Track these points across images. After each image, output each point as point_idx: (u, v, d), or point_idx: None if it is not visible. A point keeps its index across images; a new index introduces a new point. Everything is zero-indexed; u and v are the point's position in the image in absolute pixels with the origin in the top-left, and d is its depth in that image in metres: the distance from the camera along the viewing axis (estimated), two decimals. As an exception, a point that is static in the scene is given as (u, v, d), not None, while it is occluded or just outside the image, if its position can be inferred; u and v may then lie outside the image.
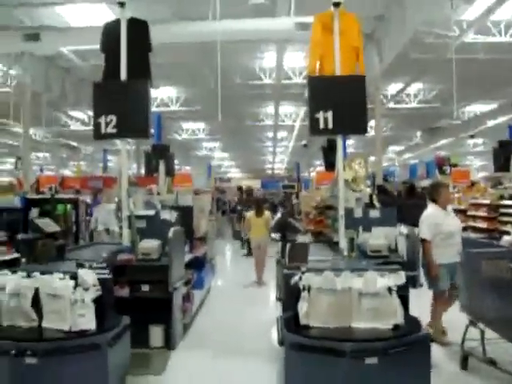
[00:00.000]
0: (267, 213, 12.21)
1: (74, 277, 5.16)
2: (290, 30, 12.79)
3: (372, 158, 21.71)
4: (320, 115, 6.56)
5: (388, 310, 4.85)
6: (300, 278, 4.99)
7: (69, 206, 10.50)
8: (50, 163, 39.09)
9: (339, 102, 6.64)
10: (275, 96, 22.73)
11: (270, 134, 34.85)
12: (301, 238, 6.39)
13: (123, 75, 6.95)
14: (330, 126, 6.55)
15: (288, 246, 6.02)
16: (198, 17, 13.31)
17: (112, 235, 10.76)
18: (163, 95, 24.25)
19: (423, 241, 6.76)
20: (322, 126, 6.55)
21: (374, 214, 7.36)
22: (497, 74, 18.62)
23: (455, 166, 18.84)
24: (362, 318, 4.89)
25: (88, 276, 5.20)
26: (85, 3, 13.58)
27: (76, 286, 5.10)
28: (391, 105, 24.22)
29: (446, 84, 20.59)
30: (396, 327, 4.84)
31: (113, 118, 6.77)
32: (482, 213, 14.77)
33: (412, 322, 5.07)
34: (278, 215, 7.01)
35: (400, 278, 4.99)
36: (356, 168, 12.25)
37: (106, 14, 12.92)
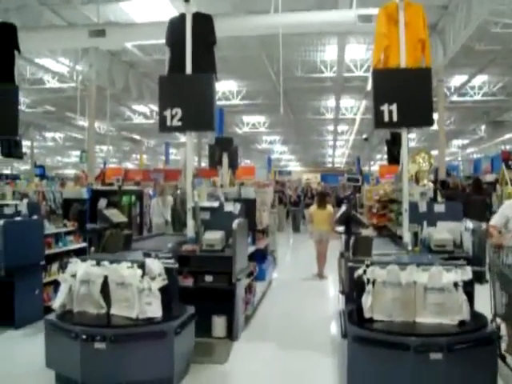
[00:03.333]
0: (329, 206, 12.16)
1: (142, 266, 5.30)
2: (353, 23, 12.65)
3: (434, 152, 21.32)
4: (385, 108, 6.47)
5: (453, 306, 4.78)
6: (364, 272, 4.96)
7: (133, 198, 10.73)
8: (113, 156, 40.06)
9: (404, 95, 6.53)
10: (336, 89, 22.63)
11: (331, 128, 34.73)
12: (364, 232, 6.35)
13: (188, 69, 7.03)
14: (395, 118, 6.45)
15: (352, 239, 6.01)
16: (259, 10, 13.35)
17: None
18: (224, 88, 24.43)
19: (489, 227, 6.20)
20: (386, 118, 6.46)
21: (439, 208, 7.24)
22: None
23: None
24: (426, 313, 4.83)
25: (154, 265, 5.33)
26: (148, -1, 13.84)
27: (143, 274, 5.23)
28: (455, 97, 23.69)
29: (512, 76, 20.09)
30: (462, 323, 4.77)
31: (178, 111, 6.86)
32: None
33: (478, 319, 4.99)
34: (343, 208, 6.94)
35: (466, 273, 4.89)
36: (420, 162, 12.08)
37: (168, 10, 13.15)
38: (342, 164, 55.06)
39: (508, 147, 32.69)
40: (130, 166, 45.90)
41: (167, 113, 6.90)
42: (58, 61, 18.62)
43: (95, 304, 5.33)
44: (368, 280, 4.92)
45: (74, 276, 5.36)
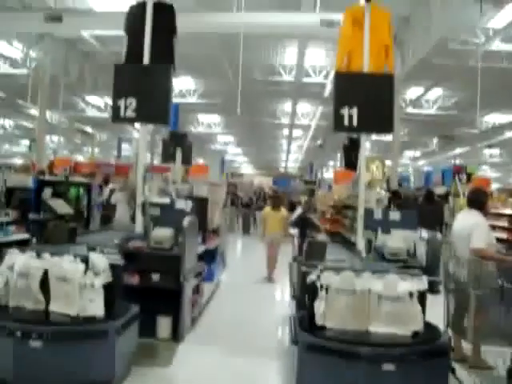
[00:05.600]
0: (283, 209, 12.01)
1: (85, 260, 5.03)
2: (315, 27, 12.56)
3: (387, 162, 21.50)
4: (345, 111, 6.41)
5: (408, 316, 4.67)
6: (318, 277, 4.80)
7: (81, 190, 10.38)
8: (63, 147, 39.16)
9: (365, 100, 6.49)
10: (293, 94, 22.55)
11: (286, 132, 34.68)
12: (319, 237, 6.22)
13: (146, 59, 6.79)
14: (355, 123, 6.40)
15: (306, 243, 5.87)
16: (222, 7, 13.15)
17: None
18: (181, 86, 24.11)
19: (479, 251, 5.64)
20: (346, 122, 6.40)
21: (394, 216, 7.14)
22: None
23: (471, 175, 18.58)
24: (380, 322, 4.71)
25: (99, 260, 5.07)
26: (108, -13, 13.48)
27: (86, 270, 4.96)
28: (410, 109, 23.97)
29: (466, 92, 20.47)
30: (415, 334, 4.66)
31: (132, 102, 6.62)
32: (502, 223, 14.26)
33: (431, 330, 4.91)
34: (299, 210, 6.84)
35: (422, 283, 4.79)
36: (374, 170, 12.10)
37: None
38: (294, 169, 55.23)
39: (458, 161, 33.33)
40: (81, 159, 45.00)
41: (121, 102, 6.64)
42: (11, 44, 17.98)
43: (33, 299, 5.02)
44: (321, 286, 4.76)
45: (11, 268, 5.05)
